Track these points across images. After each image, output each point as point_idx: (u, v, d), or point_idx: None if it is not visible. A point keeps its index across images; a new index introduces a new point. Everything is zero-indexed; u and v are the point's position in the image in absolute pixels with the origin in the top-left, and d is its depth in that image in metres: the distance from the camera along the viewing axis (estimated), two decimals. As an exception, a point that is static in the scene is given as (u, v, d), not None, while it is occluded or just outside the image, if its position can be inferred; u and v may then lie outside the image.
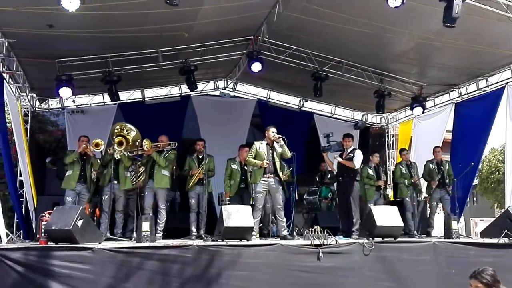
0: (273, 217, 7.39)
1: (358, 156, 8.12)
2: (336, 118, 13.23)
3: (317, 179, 10.84)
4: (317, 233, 6.60)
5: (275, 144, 7.46)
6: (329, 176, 10.56)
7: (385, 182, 9.61)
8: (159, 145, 7.83)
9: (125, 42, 8.75)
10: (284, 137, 7.49)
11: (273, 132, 7.46)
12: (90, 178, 7.87)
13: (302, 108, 12.85)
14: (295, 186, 8.73)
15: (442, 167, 9.43)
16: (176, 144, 8.22)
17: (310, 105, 12.93)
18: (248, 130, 11.77)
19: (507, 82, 9.65)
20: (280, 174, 7.43)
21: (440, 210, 9.61)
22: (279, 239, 7.26)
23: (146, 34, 8.52)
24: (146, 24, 8.14)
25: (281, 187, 7.50)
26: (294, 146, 9.16)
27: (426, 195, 9.67)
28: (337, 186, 8.97)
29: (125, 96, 11.51)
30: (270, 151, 7.46)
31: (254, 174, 7.51)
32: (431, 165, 9.48)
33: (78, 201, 7.73)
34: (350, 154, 8.23)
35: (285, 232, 7.32)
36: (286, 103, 12.84)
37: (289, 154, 7.50)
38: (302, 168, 10.74)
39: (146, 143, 7.52)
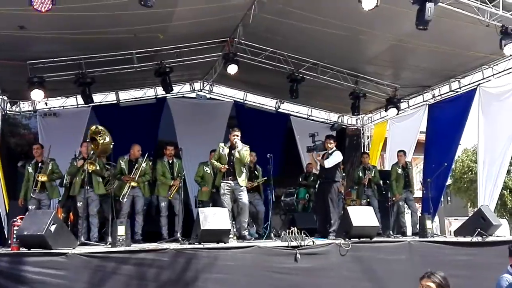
0: (243, 219, 7.29)
1: (333, 156, 8.14)
2: (313, 119, 13.30)
3: (300, 179, 10.87)
4: (294, 234, 6.60)
5: (236, 150, 7.33)
6: (311, 178, 10.61)
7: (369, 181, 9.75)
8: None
9: (99, 43, 8.63)
10: (238, 138, 7.36)
11: (233, 135, 7.38)
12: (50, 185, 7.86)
13: (279, 110, 12.89)
14: (272, 188, 8.75)
15: (407, 169, 9.59)
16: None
17: (287, 107, 12.97)
18: (224, 132, 11.72)
19: (479, 84, 9.89)
20: (240, 179, 7.29)
21: (409, 210, 9.79)
22: (257, 241, 7.24)
23: (120, 35, 8.41)
24: (120, 25, 8.05)
25: (244, 188, 7.39)
26: (271, 148, 9.24)
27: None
28: (317, 187, 9.00)
29: (99, 98, 11.35)
30: (231, 155, 7.37)
31: (218, 177, 7.50)
32: (398, 168, 9.63)
33: (40, 209, 7.63)
34: (330, 155, 8.26)
35: (245, 233, 7.24)
36: (263, 105, 12.85)
37: (246, 159, 7.36)
38: (279, 169, 10.77)
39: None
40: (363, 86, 11.13)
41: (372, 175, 9.81)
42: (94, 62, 9.33)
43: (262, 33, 9.34)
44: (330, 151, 8.25)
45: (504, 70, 9.48)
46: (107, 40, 8.52)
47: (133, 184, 7.81)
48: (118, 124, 9.97)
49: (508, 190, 16.23)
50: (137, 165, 7.99)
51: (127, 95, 11.80)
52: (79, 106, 11.12)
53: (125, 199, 7.75)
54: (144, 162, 8.02)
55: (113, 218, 6.84)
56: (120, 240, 6.04)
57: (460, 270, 6.79)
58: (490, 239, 7.74)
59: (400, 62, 10.28)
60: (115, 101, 11.63)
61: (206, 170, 8.75)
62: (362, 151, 12.81)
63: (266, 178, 8.86)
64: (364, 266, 6.73)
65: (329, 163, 8.07)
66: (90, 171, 7.33)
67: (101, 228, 7.92)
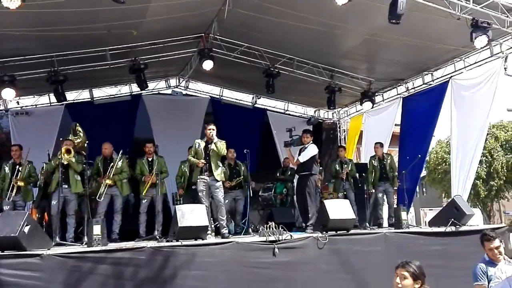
0: (220, 216, 7.27)
1: (308, 150, 8.16)
2: (289, 114, 13.35)
3: (278, 174, 10.91)
4: (272, 229, 6.64)
5: (213, 143, 7.31)
6: (289, 173, 10.67)
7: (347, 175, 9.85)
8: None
9: (71, 40, 8.48)
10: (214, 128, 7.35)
11: (209, 129, 7.34)
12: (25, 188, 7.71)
13: (255, 105, 12.89)
14: (250, 183, 8.77)
15: (384, 162, 9.69)
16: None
17: (263, 102, 12.99)
18: (201, 128, 11.67)
19: (451, 76, 10.07)
20: (216, 173, 7.27)
21: (386, 202, 9.91)
22: (236, 236, 7.25)
23: (92, 32, 8.29)
24: (92, 22, 7.92)
25: (220, 184, 7.36)
26: (248, 143, 9.27)
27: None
28: (296, 181, 9.04)
29: (73, 96, 11.17)
30: (207, 149, 7.33)
31: (194, 173, 7.47)
32: (373, 161, 9.75)
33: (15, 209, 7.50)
34: (305, 149, 8.30)
35: (223, 231, 7.16)
36: (239, 100, 12.85)
37: (222, 152, 7.34)
38: (257, 165, 10.81)
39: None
40: (338, 80, 11.21)
41: (349, 168, 9.91)
42: (66, 60, 9.16)
43: (237, 28, 9.32)
44: (306, 145, 8.29)
45: (475, 63, 9.66)
46: (79, 37, 8.38)
47: (109, 182, 7.72)
48: (93, 122, 9.85)
49: (481, 180, 16.58)
50: (112, 163, 7.90)
51: (101, 93, 11.64)
52: (52, 104, 10.93)
53: (102, 198, 7.65)
54: (120, 160, 7.93)
55: (89, 217, 6.76)
56: (96, 240, 5.98)
57: (435, 259, 6.91)
58: (463, 228, 7.90)
59: (374, 56, 10.39)
60: (89, 99, 11.45)
61: (184, 169, 8.73)
62: (339, 144, 12.92)
63: (241, 177, 8.89)
64: (341, 258, 6.82)
65: (303, 158, 8.11)
66: (65, 162, 7.17)
67: (77, 228, 7.82)
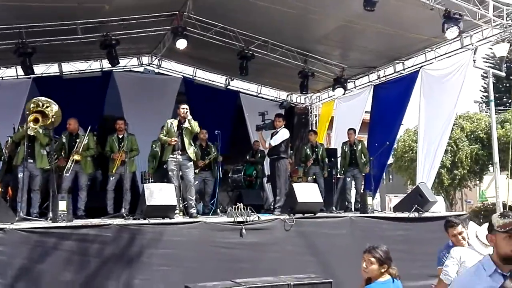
0: (189, 196, 7.28)
1: (279, 134, 8.21)
2: (262, 97, 13.36)
3: (248, 157, 10.94)
4: (240, 210, 6.70)
5: (186, 121, 7.31)
6: (259, 155, 10.71)
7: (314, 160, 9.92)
8: None
9: (41, 12, 8.26)
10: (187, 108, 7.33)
11: (182, 108, 7.32)
12: None
13: (228, 87, 12.83)
14: (220, 165, 8.78)
15: (354, 147, 9.84)
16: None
17: (237, 84, 12.93)
18: (173, 108, 11.56)
19: (422, 66, 10.24)
20: (189, 151, 7.29)
21: (354, 187, 10.08)
22: (204, 216, 7.27)
23: (63, 4, 8.07)
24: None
25: (191, 164, 7.39)
26: (220, 125, 9.24)
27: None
28: (269, 164, 9.08)
29: (41, 69, 10.88)
30: (180, 128, 7.33)
31: (165, 152, 7.43)
32: (345, 146, 9.88)
33: None
34: (277, 133, 8.33)
35: (192, 210, 7.18)
36: (212, 81, 12.76)
37: (196, 128, 7.36)
38: (228, 146, 10.82)
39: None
40: (312, 65, 11.26)
41: (320, 153, 10.01)
42: (35, 32, 8.90)
43: (212, 8, 9.22)
44: (278, 129, 8.33)
45: (446, 54, 9.86)
46: (50, 9, 8.15)
47: (77, 158, 7.59)
48: (61, 97, 9.50)
49: (446, 168, 17.01)
50: (77, 139, 7.75)
51: (71, 67, 11.37)
52: (19, 77, 10.60)
53: (67, 174, 7.52)
54: (87, 136, 7.80)
55: (55, 193, 6.64)
56: (61, 216, 5.89)
57: (398, 244, 7.08)
58: (426, 214, 8.13)
59: (348, 43, 10.47)
60: (58, 73, 11.16)
61: (155, 148, 8.66)
62: (310, 129, 13.03)
63: (215, 153, 8.89)
64: (307, 240, 6.94)
65: (275, 141, 8.16)
66: (32, 133, 6.96)
67: (42, 203, 7.69)
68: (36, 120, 6.93)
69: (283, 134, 8.22)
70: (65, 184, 7.60)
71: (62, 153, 7.81)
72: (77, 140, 7.77)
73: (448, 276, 3.85)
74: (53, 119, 6.99)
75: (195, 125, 7.31)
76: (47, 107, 7.01)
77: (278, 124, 8.35)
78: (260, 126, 8.66)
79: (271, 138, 8.30)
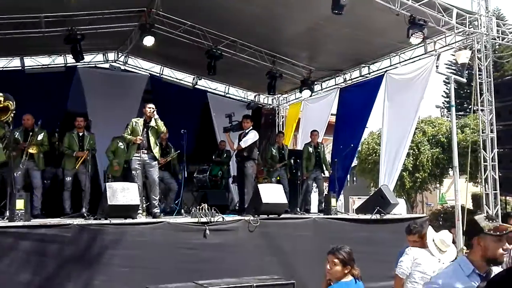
0: (153, 196, 7.20)
1: (249, 136, 8.23)
2: (230, 97, 13.33)
3: (214, 157, 10.89)
4: (205, 210, 6.66)
5: (152, 120, 7.25)
6: (225, 155, 10.66)
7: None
8: None
9: (3, 3, 7.97)
10: (155, 109, 7.26)
11: (149, 107, 7.26)
12: None
13: (196, 86, 12.73)
14: (185, 164, 8.70)
15: (318, 149, 9.93)
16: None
17: (204, 83, 12.85)
18: (139, 106, 11.37)
19: (386, 70, 10.43)
20: (155, 150, 7.24)
21: (316, 188, 10.16)
22: (167, 217, 7.19)
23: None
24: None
25: (156, 164, 7.34)
26: (187, 124, 9.15)
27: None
28: (237, 165, 9.06)
29: (2, 63, 10.57)
30: (146, 127, 7.27)
31: (129, 151, 7.33)
32: (309, 148, 9.95)
33: None
34: (246, 134, 8.33)
35: (156, 210, 7.14)
36: (180, 80, 12.64)
37: (163, 128, 7.34)
38: (194, 146, 10.72)
39: None
40: (280, 67, 11.30)
41: (286, 154, 10.04)
42: (-4, 24, 8.62)
43: (181, 5, 9.13)
44: (246, 131, 8.32)
45: (410, 59, 10.08)
46: (12, 1, 7.88)
47: (32, 151, 7.35)
48: (23, 92, 9.27)
49: (407, 171, 17.38)
50: (32, 133, 7.55)
51: (33, 62, 11.05)
52: (-22, 70, 10.26)
53: (18, 173, 7.29)
54: (42, 134, 7.59)
55: (12, 191, 6.42)
56: (19, 215, 5.71)
57: (361, 245, 7.07)
58: (388, 216, 8.27)
59: (315, 45, 10.56)
60: (20, 67, 10.84)
61: (120, 145, 8.50)
62: (277, 130, 13.10)
63: (178, 151, 8.80)
64: (271, 241, 6.97)
65: (245, 143, 8.17)
66: None
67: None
68: None
69: (253, 135, 8.23)
70: (19, 182, 7.35)
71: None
72: (32, 136, 7.56)
73: (402, 269, 4.05)
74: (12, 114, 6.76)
75: (162, 125, 7.27)
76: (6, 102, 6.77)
77: (246, 125, 8.36)
78: (228, 128, 8.65)
79: (239, 140, 8.30)
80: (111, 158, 8.59)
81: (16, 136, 7.54)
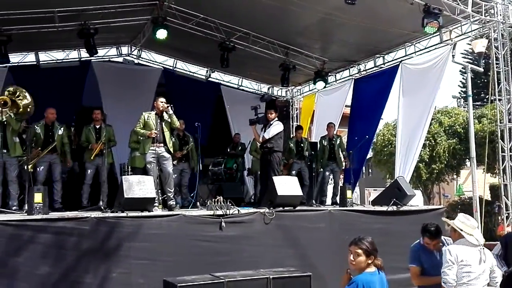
0: (168, 188, 7.23)
1: (273, 127, 8.16)
2: (243, 90, 13.31)
3: (228, 150, 10.90)
4: (220, 203, 6.66)
5: (164, 114, 7.24)
6: (239, 148, 10.66)
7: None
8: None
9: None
10: (172, 105, 7.25)
11: (161, 102, 7.23)
12: None
13: (209, 79, 12.74)
14: (200, 157, 8.71)
15: (333, 142, 9.85)
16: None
17: (217, 76, 12.86)
18: (153, 99, 11.39)
19: (401, 60, 10.31)
20: (169, 144, 7.26)
21: (332, 180, 10.12)
22: (183, 209, 7.22)
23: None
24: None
25: (170, 157, 7.33)
26: (200, 117, 9.19)
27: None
28: (260, 157, 9.04)
29: (17, 58, 10.65)
30: (159, 121, 7.25)
31: (142, 145, 7.27)
32: (324, 141, 9.89)
33: None
34: (271, 125, 8.27)
35: (171, 203, 7.17)
36: (193, 73, 12.65)
37: (177, 123, 7.36)
38: (208, 138, 10.76)
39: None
40: (293, 58, 11.24)
41: (305, 147, 9.99)
42: (11, 19, 8.69)
43: (193, -2, 9.12)
44: (271, 122, 8.27)
45: (425, 48, 9.96)
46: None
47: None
48: (38, 87, 9.37)
49: (424, 163, 17.17)
50: (54, 129, 7.64)
51: (48, 57, 11.15)
52: (-6, 66, 10.36)
53: (41, 167, 7.37)
54: (61, 129, 7.67)
55: (30, 185, 6.50)
56: (37, 208, 5.77)
57: (377, 237, 6.98)
58: (404, 208, 8.21)
59: (328, 36, 10.48)
60: (35, 62, 10.95)
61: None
62: (292, 122, 13.05)
63: (192, 144, 8.82)
64: (287, 234, 6.94)
65: (269, 134, 8.12)
66: (3, 118, 6.71)
67: (19, 196, 7.52)
68: (4, 103, 6.71)
69: (277, 127, 8.17)
70: (41, 176, 7.46)
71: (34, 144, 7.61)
72: (53, 131, 7.62)
73: (449, 283, 3.79)
74: (21, 110, 6.83)
75: (176, 121, 7.30)
76: (19, 97, 6.85)
77: (270, 116, 8.29)
78: (254, 120, 8.58)
79: (264, 131, 8.26)
80: (134, 147, 8.49)
81: (37, 132, 7.62)
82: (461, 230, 3.93)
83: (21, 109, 6.84)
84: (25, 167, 6.96)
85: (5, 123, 6.87)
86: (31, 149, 7.52)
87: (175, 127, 7.52)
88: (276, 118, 8.32)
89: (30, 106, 6.95)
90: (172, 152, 7.40)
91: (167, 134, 7.25)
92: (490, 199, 15.84)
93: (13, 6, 8.40)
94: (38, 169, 7.45)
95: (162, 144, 7.21)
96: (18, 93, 6.87)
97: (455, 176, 19.93)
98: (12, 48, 9.41)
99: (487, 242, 4.36)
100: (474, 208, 8.79)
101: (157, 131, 7.14)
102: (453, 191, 22.74)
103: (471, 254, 3.84)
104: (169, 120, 7.23)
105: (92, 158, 7.86)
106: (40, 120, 7.71)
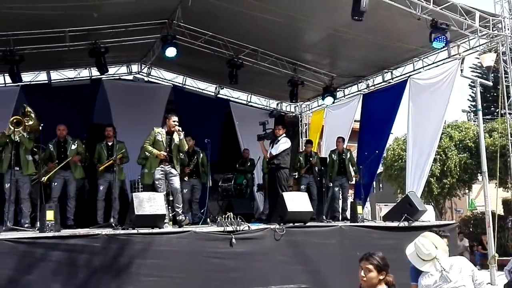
0: (176, 204, 7.24)
1: (280, 143, 8.18)
2: (252, 106, 13.37)
3: (237, 166, 10.92)
4: (230, 219, 6.65)
5: (175, 134, 7.22)
6: (248, 164, 10.67)
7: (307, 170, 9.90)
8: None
9: (29, 19, 8.20)
10: (180, 128, 7.23)
11: (174, 121, 7.20)
12: None
13: (218, 95, 12.83)
14: (210, 173, 8.73)
15: (343, 156, 9.85)
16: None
17: (226, 93, 12.96)
18: (163, 116, 11.49)
19: (410, 75, 10.33)
20: (177, 166, 7.24)
21: (341, 195, 10.06)
22: (193, 226, 7.21)
23: (49, 12, 8.00)
24: (51, 1, 7.64)
25: (177, 173, 7.30)
26: (210, 133, 9.23)
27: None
28: (268, 173, 9.03)
29: (29, 77, 10.81)
30: (169, 141, 7.21)
31: (149, 162, 7.22)
32: (333, 155, 9.89)
33: None
34: (278, 141, 8.29)
35: (180, 217, 7.15)
36: (202, 90, 12.75)
37: (185, 147, 7.38)
38: (218, 155, 10.79)
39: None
40: (301, 74, 11.32)
41: (315, 161, 9.98)
42: (23, 39, 8.85)
43: (201, 16, 9.22)
44: (279, 138, 8.28)
45: (433, 63, 9.98)
46: (37, 16, 8.10)
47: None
48: (50, 105, 9.59)
49: (435, 177, 17.06)
50: (67, 145, 7.73)
51: (59, 75, 11.31)
52: (6, 85, 10.51)
53: (55, 183, 7.43)
54: (74, 144, 7.75)
55: (42, 202, 6.55)
56: (49, 225, 5.80)
57: (387, 253, 6.97)
58: (416, 224, 8.12)
59: (336, 52, 10.55)
60: (46, 81, 11.11)
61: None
62: (302, 138, 13.05)
63: (196, 157, 8.84)
64: (298, 250, 6.89)
65: (276, 150, 8.13)
66: (16, 137, 6.85)
67: (31, 213, 7.57)
68: (18, 123, 6.85)
69: (285, 143, 8.18)
70: (54, 193, 7.52)
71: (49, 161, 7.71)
72: (66, 146, 7.71)
73: None
74: (29, 129, 6.96)
75: (185, 146, 7.35)
76: (27, 118, 6.99)
77: (279, 132, 8.30)
78: (262, 136, 8.60)
79: (271, 147, 8.26)
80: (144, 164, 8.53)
81: (50, 149, 7.71)
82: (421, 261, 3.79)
83: (28, 129, 6.96)
84: (40, 181, 7.02)
85: (18, 142, 6.98)
86: (47, 165, 7.62)
87: (182, 152, 7.49)
88: (284, 134, 8.32)
89: (37, 127, 7.09)
90: (177, 172, 7.35)
91: (175, 155, 7.23)
92: (503, 213, 15.65)
93: (25, 26, 8.56)
94: (53, 184, 7.50)
95: (168, 163, 7.20)
96: (28, 116, 7.01)
97: (467, 191, 19.74)
98: (24, 67, 9.56)
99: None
100: (487, 223, 8.70)
101: (165, 153, 7.12)
102: (465, 206, 22.49)
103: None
104: (178, 144, 7.23)
105: (100, 172, 7.88)
106: (53, 138, 7.80)
